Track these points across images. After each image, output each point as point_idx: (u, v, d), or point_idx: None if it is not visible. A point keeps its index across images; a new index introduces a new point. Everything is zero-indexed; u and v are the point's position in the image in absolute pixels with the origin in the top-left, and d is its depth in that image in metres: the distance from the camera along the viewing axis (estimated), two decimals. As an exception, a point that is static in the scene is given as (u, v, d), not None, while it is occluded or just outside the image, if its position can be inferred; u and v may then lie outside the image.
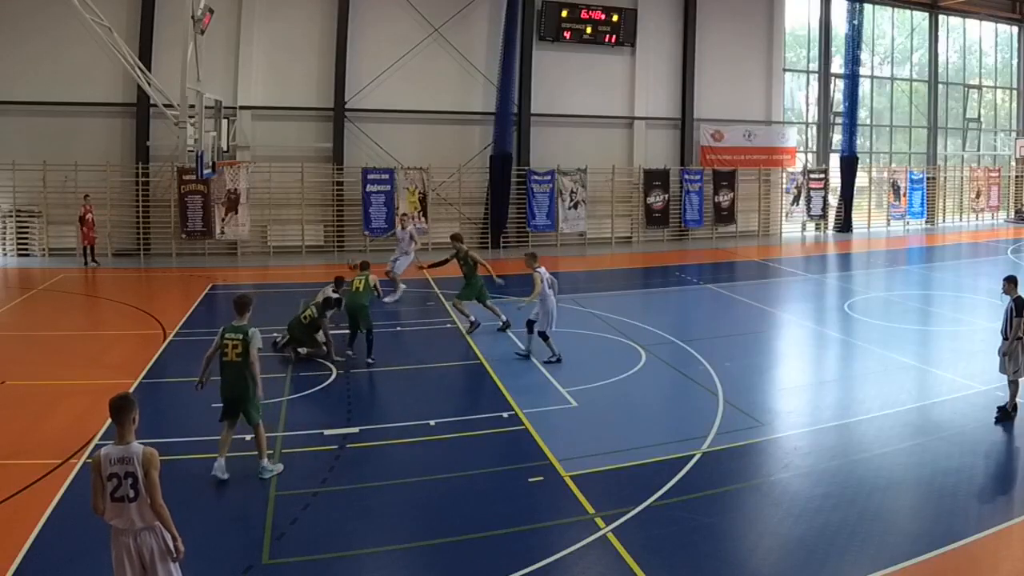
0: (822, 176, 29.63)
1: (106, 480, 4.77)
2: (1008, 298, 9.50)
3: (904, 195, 31.49)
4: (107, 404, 4.94)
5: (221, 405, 7.90)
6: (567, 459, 8.29)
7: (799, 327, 15.19)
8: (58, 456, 8.22)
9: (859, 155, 30.21)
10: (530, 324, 12.11)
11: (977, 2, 32.30)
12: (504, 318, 13.83)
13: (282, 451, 8.54)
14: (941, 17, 32.62)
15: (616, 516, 7.04)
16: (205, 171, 15.52)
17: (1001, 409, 9.41)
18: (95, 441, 8.66)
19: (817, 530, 6.84)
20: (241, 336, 7.62)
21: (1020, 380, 9.40)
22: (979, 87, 34.53)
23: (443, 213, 24.36)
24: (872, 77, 31.75)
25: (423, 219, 23.80)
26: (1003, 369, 9.49)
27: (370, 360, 11.89)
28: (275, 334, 12.45)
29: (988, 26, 34.26)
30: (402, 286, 16.76)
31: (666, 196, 26.73)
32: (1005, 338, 9.40)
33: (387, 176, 23.43)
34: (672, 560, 6.46)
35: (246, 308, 7.86)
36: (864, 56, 30.45)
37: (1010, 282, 9.51)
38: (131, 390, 10.43)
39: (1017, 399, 9.44)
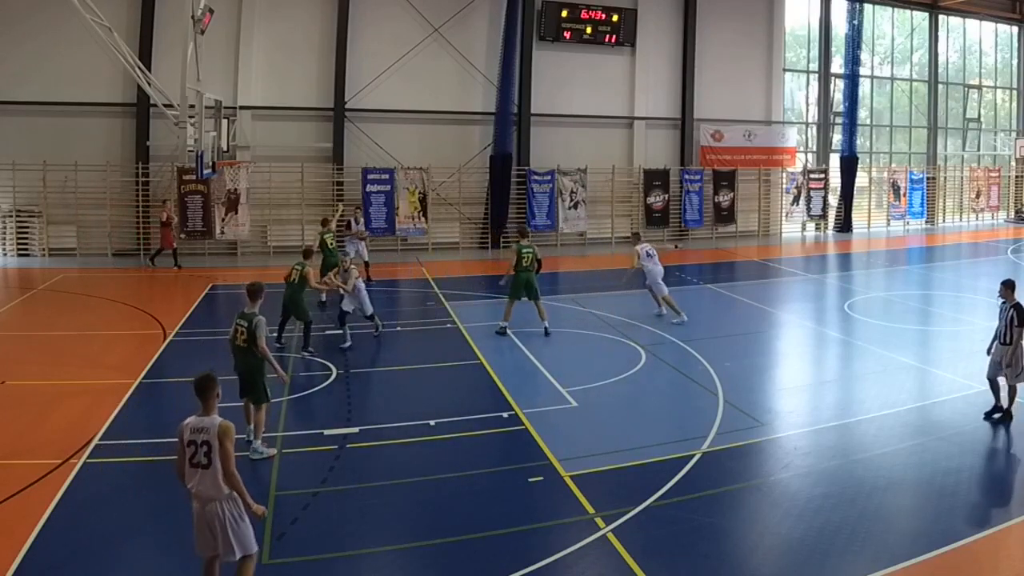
0: (822, 176, 29.62)
1: (186, 446, 5.29)
2: (1002, 301, 9.40)
3: (904, 195, 31.48)
4: (192, 383, 5.45)
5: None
6: (567, 459, 8.29)
7: (799, 327, 15.19)
8: (58, 456, 8.22)
9: (859, 155, 30.20)
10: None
11: (977, 2, 32.29)
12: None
13: (282, 451, 8.55)
14: (941, 17, 32.61)
15: (616, 516, 7.04)
16: (205, 171, 15.50)
17: (1004, 410, 9.35)
18: (95, 441, 8.68)
19: (817, 530, 6.84)
20: (246, 323, 8.14)
21: (1019, 385, 9.33)
22: (979, 87, 34.52)
23: (443, 213, 24.36)
24: (872, 77, 31.74)
25: (423, 219, 23.81)
26: (992, 373, 9.37)
27: (307, 352, 12.46)
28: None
29: (988, 26, 34.25)
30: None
31: (666, 196, 26.72)
32: (1003, 343, 9.27)
33: (387, 176, 23.42)
34: (672, 560, 6.46)
35: (256, 295, 8.39)
36: (864, 56, 30.44)
37: (1008, 287, 9.38)
38: (131, 390, 10.48)
39: (1001, 403, 9.37)
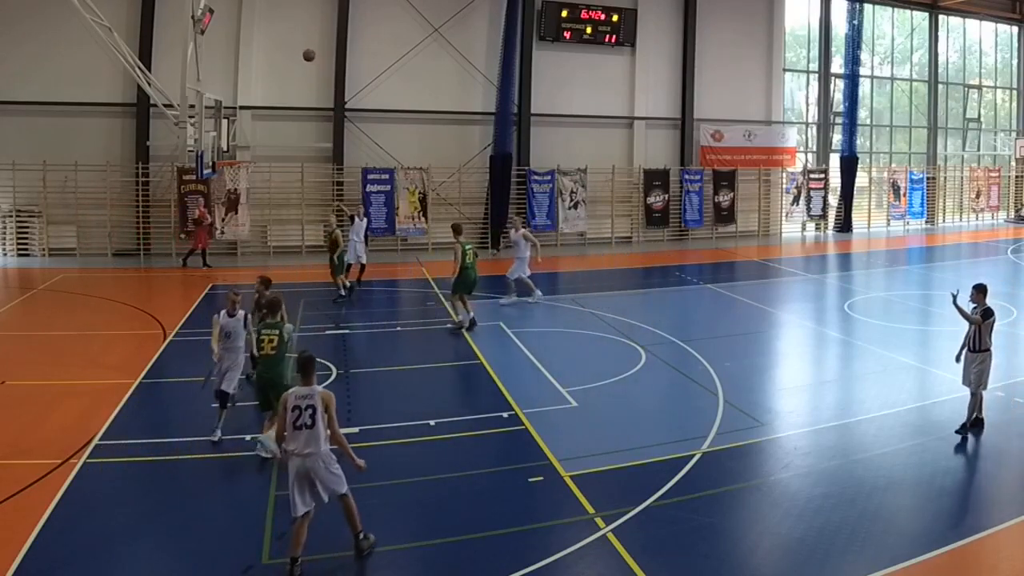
0: (822, 176, 29.62)
1: (290, 411, 6.23)
2: (973, 305, 9.18)
3: (904, 195, 31.48)
4: (298, 360, 6.54)
5: (256, 397, 8.57)
6: (567, 459, 8.29)
7: (799, 327, 15.18)
8: (58, 456, 8.22)
9: (859, 155, 30.19)
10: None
11: (977, 2, 32.29)
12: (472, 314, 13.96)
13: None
14: (941, 17, 32.61)
15: (616, 516, 7.04)
16: (205, 171, 15.53)
17: (977, 420, 9.14)
18: (95, 441, 8.67)
19: (817, 530, 6.84)
20: (277, 332, 8.44)
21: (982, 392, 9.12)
22: (979, 87, 34.51)
23: (443, 213, 24.33)
24: (872, 77, 31.73)
25: (423, 219, 23.81)
26: (967, 381, 9.15)
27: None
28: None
29: (988, 26, 34.24)
30: (537, 292, 16.41)
31: (666, 196, 26.72)
32: (972, 350, 9.02)
33: (387, 176, 23.43)
34: (672, 560, 6.46)
35: (277, 308, 8.96)
36: (864, 56, 30.43)
37: (980, 291, 9.16)
38: (131, 390, 10.48)
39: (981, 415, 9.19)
